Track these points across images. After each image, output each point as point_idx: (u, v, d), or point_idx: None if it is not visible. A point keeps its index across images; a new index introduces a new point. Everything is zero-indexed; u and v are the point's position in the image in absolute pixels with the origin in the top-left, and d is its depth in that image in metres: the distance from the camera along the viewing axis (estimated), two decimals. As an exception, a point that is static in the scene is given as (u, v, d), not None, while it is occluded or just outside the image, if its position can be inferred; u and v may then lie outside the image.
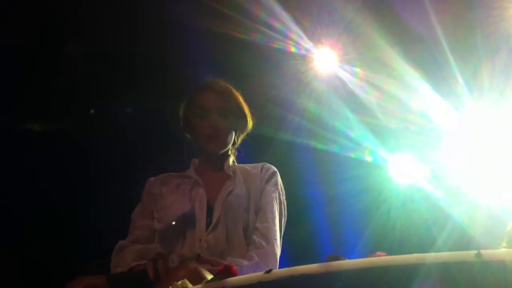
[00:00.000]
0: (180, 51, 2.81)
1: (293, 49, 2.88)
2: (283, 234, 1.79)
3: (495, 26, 2.58)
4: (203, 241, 1.60)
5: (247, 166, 1.81)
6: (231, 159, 1.81)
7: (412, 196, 3.24)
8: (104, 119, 3.20)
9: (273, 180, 1.76)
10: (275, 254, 1.65)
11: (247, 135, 1.87)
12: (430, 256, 0.97)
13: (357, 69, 2.95)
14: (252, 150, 1.91)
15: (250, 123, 1.82)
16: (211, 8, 2.60)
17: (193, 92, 1.82)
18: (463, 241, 2.80)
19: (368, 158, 3.29)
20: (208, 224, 1.64)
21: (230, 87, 1.80)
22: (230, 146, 1.79)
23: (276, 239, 1.66)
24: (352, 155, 3.24)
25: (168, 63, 2.90)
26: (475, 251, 0.94)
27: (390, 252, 1.09)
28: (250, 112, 1.82)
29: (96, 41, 2.84)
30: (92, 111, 3.19)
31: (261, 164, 1.80)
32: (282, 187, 1.80)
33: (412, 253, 1.01)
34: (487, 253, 0.94)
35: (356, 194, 3.20)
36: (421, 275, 0.95)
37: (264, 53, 2.83)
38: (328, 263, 0.98)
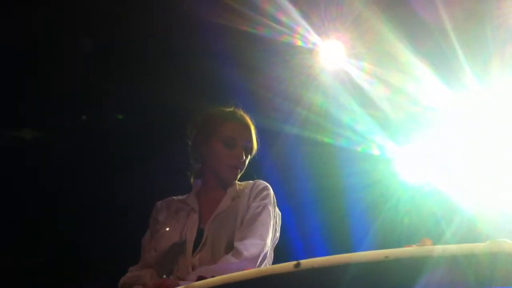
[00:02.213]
0: (186, 45, 2.80)
1: (299, 43, 2.87)
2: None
3: (504, 17, 2.55)
4: (189, 264, 1.69)
5: (243, 185, 1.88)
6: (236, 181, 1.89)
7: (420, 190, 3.23)
8: (95, 125, 3.19)
9: (262, 195, 1.81)
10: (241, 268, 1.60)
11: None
12: (438, 249, 0.97)
13: (365, 63, 2.94)
14: (259, 144, 1.92)
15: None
16: (218, 2, 2.60)
17: (219, 120, 1.87)
18: (472, 235, 2.79)
19: (376, 152, 3.28)
20: (197, 247, 1.74)
21: (249, 119, 1.91)
22: None
23: (248, 252, 1.65)
24: (359, 149, 3.24)
25: (170, 60, 2.88)
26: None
27: (399, 245, 1.08)
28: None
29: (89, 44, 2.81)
30: (84, 117, 3.20)
31: (253, 181, 1.87)
32: (274, 200, 1.84)
33: (420, 246, 1.01)
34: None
35: (364, 188, 3.19)
36: (429, 268, 0.95)
37: (271, 47, 2.82)
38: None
